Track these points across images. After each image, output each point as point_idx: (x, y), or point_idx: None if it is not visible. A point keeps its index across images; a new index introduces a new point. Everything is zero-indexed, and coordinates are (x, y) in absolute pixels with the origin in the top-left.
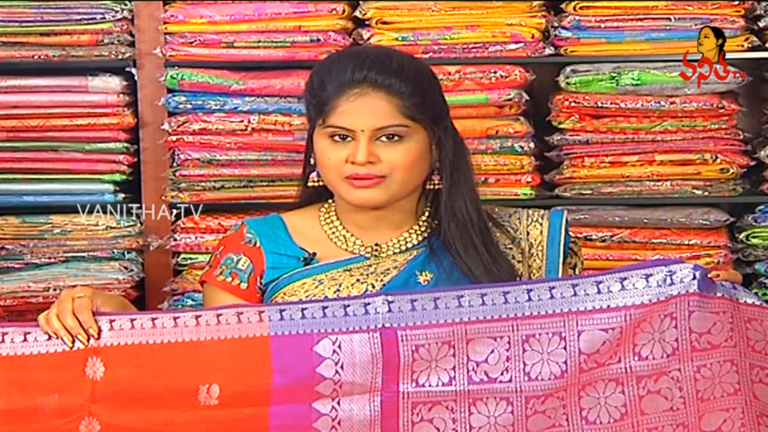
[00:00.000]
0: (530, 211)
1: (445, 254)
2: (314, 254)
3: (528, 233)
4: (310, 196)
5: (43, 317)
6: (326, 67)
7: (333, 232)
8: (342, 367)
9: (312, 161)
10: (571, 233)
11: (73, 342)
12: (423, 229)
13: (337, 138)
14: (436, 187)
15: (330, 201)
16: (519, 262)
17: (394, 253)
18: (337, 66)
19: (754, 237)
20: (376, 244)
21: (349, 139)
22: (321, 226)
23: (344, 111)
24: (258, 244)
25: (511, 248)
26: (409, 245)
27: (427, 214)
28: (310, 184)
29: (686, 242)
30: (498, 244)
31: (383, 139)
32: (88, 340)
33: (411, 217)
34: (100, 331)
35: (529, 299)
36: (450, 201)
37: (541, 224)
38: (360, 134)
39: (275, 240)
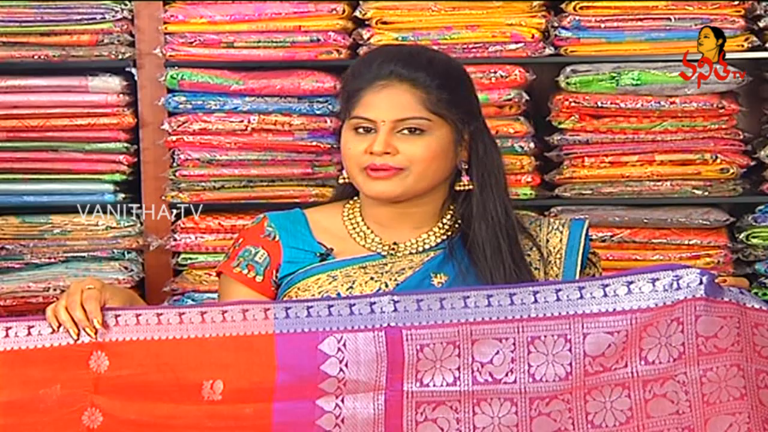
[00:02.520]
0: (551, 219)
1: (463, 257)
2: (331, 250)
3: (548, 241)
4: (341, 194)
5: (51, 309)
6: (360, 61)
7: (354, 228)
8: (346, 365)
9: None
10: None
11: (79, 335)
12: (443, 231)
13: (360, 130)
14: (465, 188)
15: (356, 198)
16: (536, 269)
17: (411, 253)
18: (370, 60)
19: (754, 237)
20: (395, 243)
21: (373, 131)
22: (343, 221)
23: (368, 102)
24: (277, 238)
25: (530, 253)
26: (427, 246)
27: (449, 215)
28: (340, 181)
29: (686, 242)
30: (522, 250)
31: (405, 132)
32: (96, 334)
33: (433, 218)
34: (107, 325)
35: (535, 301)
36: (482, 202)
37: (561, 233)
38: (381, 125)
39: (294, 234)
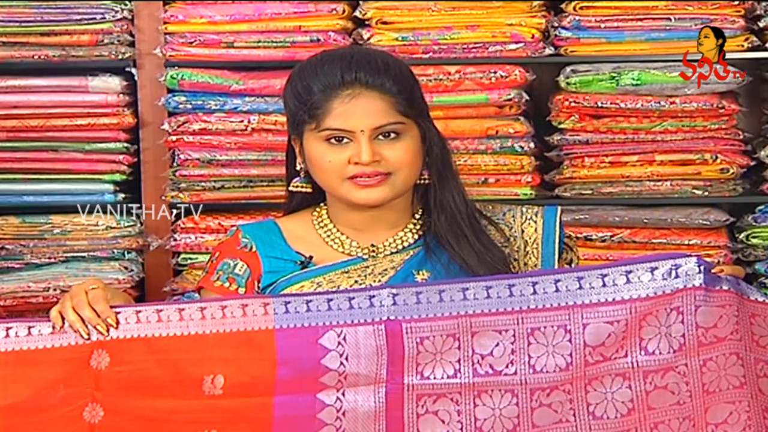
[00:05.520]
0: (524, 209)
1: (441, 252)
2: (311, 257)
3: (523, 231)
4: (300, 202)
5: (56, 310)
6: (309, 71)
7: (328, 235)
8: (347, 359)
9: (298, 167)
10: (565, 230)
11: (89, 334)
12: (418, 227)
13: (333, 140)
14: (426, 182)
15: (321, 204)
16: (515, 260)
17: (391, 253)
18: (323, 69)
19: (754, 237)
20: (372, 245)
21: (345, 140)
22: (315, 230)
23: (340, 113)
24: (254, 249)
25: (506, 246)
26: (405, 244)
27: (420, 212)
28: (294, 189)
29: (686, 242)
30: (488, 233)
31: (381, 138)
32: (107, 331)
33: (405, 216)
34: (117, 322)
35: (534, 292)
36: (440, 195)
37: (535, 222)
38: (360, 134)
39: (271, 244)
